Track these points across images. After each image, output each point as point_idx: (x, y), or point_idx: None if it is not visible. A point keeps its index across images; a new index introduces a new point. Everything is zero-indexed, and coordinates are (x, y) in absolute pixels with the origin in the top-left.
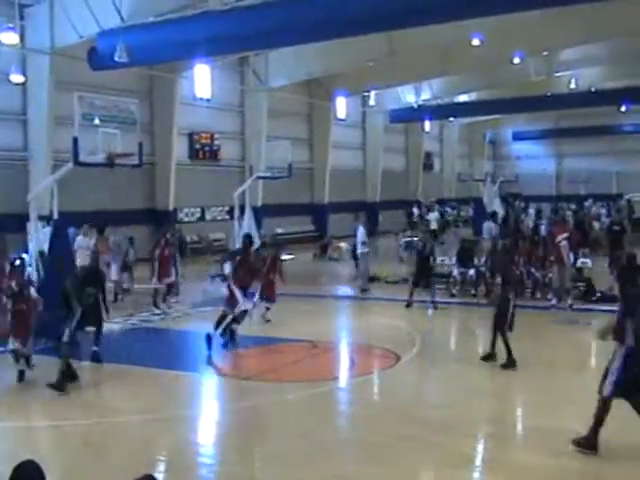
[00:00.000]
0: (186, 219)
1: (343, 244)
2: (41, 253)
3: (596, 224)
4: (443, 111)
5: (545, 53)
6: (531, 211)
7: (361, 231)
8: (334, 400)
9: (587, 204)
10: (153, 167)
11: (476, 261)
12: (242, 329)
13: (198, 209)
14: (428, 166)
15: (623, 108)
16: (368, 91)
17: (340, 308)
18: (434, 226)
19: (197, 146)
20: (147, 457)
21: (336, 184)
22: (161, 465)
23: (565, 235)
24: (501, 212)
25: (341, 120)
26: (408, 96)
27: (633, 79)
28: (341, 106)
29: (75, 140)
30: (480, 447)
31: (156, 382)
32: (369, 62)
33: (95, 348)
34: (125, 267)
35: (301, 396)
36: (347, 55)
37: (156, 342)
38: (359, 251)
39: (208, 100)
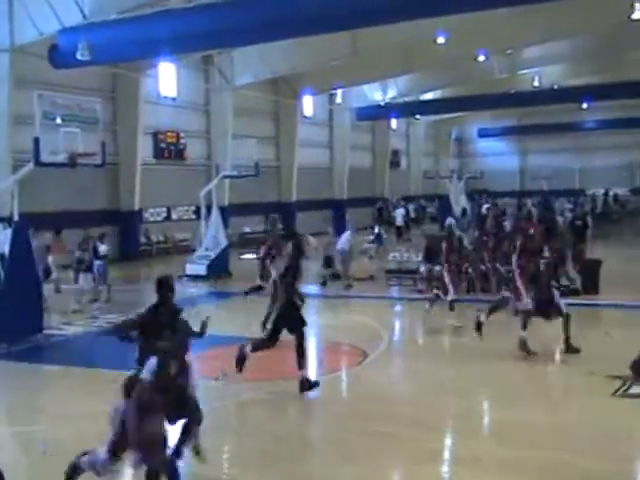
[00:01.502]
0: (152, 219)
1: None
2: (1, 256)
3: (560, 219)
4: (409, 109)
5: (509, 51)
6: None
7: (347, 234)
8: (301, 398)
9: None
10: (117, 167)
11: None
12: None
13: (164, 209)
14: (395, 163)
15: (585, 105)
16: (334, 89)
17: (309, 306)
18: (400, 223)
19: (162, 145)
20: None
21: (303, 182)
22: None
23: (531, 230)
24: (468, 208)
25: (308, 118)
26: (375, 94)
27: (594, 77)
28: (308, 104)
29: (36, 140)
30: (450, 442)
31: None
32: (334, 61)
33: None
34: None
35: (268, 395)
36: (312, 54)
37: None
38: (339, 247)
39: (173, 99)
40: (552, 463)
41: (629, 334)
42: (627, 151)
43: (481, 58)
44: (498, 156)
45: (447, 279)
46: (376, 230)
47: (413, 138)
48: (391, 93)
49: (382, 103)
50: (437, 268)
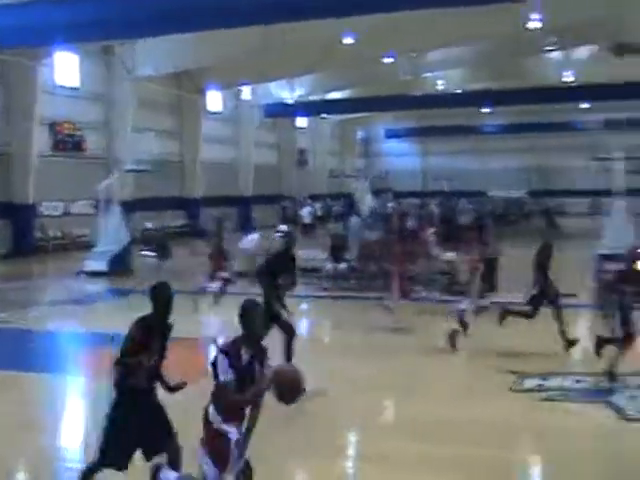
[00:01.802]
0: (47, 213)
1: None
2: None
3: (462, 219)
4: (316, 108)
5: (414, 54)
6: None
7: (254, 236)
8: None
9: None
10: (9, 157)
11: (348, 255)
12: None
13: (61, 203)
14: (301, 162)
15: (485, 110)
16: (241, 85)
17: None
18: (307, 221)
19: (59, 137)
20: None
21: (209, 178)
22: (22, 473)
23: (433, 230)
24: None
25: (214, 113)
26: (282, 92)
27: (494, 82)
28: (214, 99)
29: None
30: (356, 438)
31: (19, 386)
32: (240, 57)
33: None
34: None
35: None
36: (218, 48)
37: (15, 343)
38: (243, 247)
39: (73, 89)
40: (461, 457)
41: (531, 329)
42: (524, 155)
43: (387, 60)
44: (402, 157)
45: (395, 283)
46: (281, 228)
47: (320, 137)
48: (299, 91)
49: (289, 101)
50: (342, 266)
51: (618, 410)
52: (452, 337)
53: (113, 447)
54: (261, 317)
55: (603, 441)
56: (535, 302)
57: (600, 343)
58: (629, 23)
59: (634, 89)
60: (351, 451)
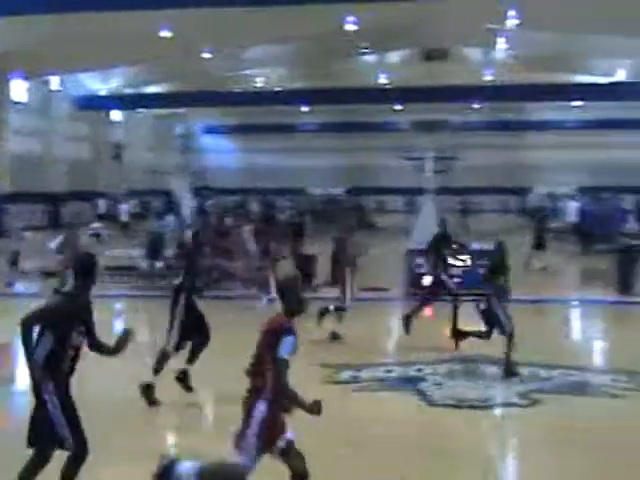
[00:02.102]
0: None
1: None
2: None
3: (281, 217)
4: (132, 101)
5: (234, 50)
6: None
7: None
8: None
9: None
10: None
11: (166, 253)
12: None
13: None
14: (117, 157)
15: (304, 108)
16: (48, 75)
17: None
18: (124, 218)
19: None
20: None
21: (16, 173)
22: None
23: (250, 227)
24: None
25: (20, 104)
26: (95, 83)
27: (313, 81)
28: (20, 89)
29: None
30: (171, 438)
31: None
32: (45, 44)
33: None
34: None
35: None
36: (20, 34)
37: None
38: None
39: None
40: None
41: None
42: (343, 153)
43: (206, 55)
44: (223, 154)
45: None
46: (95, 226)
47: (136, 132)
48: (114, 83)
49: (103, 93)
50: (158, 264)
51: (425, 397)
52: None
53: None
54: (301, 292)
55: (410, 426)
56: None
57: (458, 334)
58: (437, 30)
59: (442, 92)
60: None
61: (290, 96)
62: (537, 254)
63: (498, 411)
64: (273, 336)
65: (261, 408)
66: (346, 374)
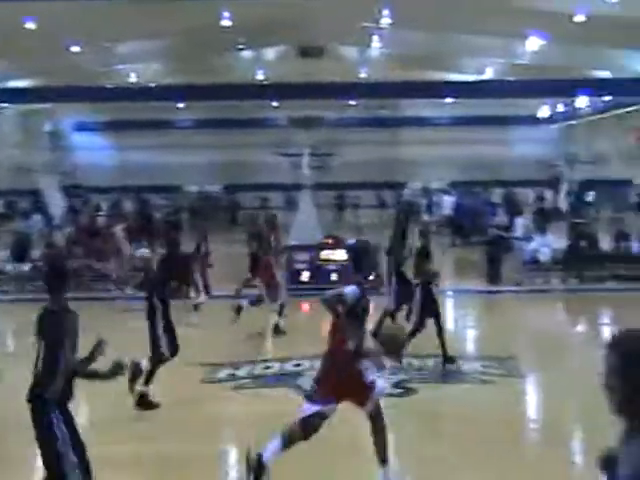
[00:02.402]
0: None
1: None
2: None
3: (157, 215)
4: None
5: (106, 44)
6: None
7: None
8: None
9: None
10: None
11: (32, 254)
12: None
13: None
14: None
15: (180, 104)
16: None
17: None
18: None
19: None
20: None
21: None
22: None
23: (122, 226)
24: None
25: None
26: None
27: (189, 77)
28: None
29: None
30: None
31: None
32: None
33: None
34: None
35: None
36: None
37: None
38: None
39: None
40: (140, 453)
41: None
42: (220, 150)
43: (75, 49)
44: (95, 151)
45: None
46: None
47: (1, 128)
48: None
49: None
50: (24, 267)
51: (303, 392)
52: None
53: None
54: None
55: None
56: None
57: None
58: (313, 28)
59: (318, 89)
60: None
61: (165, 92)
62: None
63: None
64: None
65: None
66: (224, 372)
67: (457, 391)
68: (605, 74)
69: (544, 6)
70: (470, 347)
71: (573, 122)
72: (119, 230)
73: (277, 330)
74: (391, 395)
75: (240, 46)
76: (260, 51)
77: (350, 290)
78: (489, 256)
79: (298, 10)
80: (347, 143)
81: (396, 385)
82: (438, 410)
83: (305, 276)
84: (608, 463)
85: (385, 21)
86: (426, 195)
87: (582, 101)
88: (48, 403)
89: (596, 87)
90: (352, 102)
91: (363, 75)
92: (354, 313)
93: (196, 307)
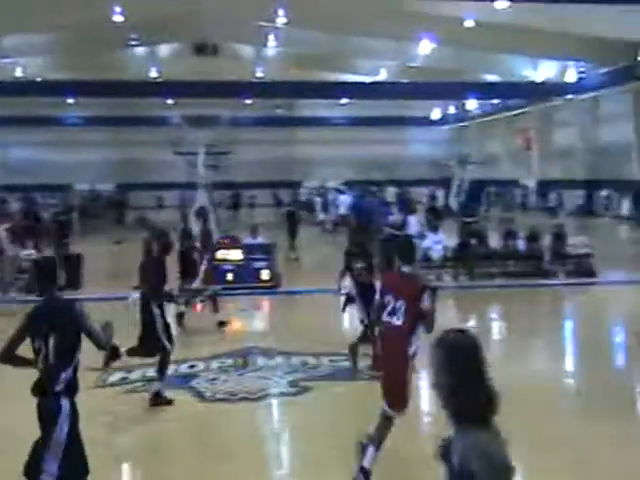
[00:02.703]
0: None
1: None
2: None
3: (45, 214)
4: None
5: None
6: None
7: None
8: None
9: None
10: None
11: None
12: None
13: None
14: None
15: (71, 100)
16: None
17: None
18: None
19: None
20: None
21: None
22: None
23: (6, 226)
24: None
25: None
26: None
27: (81, 72)
28: None
29: None
30: None
31: None
32: None
33: None
34: None
35: None
36: None
37: None
38: None
39: None
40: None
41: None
42: (113, 148)
43: None
44: None
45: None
46: None
47: None
48: None
49: None
50: None
51: (198, 393)
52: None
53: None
54: None
55: (185, 424)
56: None
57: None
58: (207, 25)
59: (214, 88)
60: None
61: (53, 87)
62: (291, 244)
63: (270, 402)
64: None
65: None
66: (116, 376)
67: (350, 389)
68: (494, 78)
69: (435, 11)
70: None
71: (464, 124)
72: (2, 230)
73: (222, 324)
74: (285, 394)
75: (133, 42)
76: (154, 48)
77: None
78: (382, 255)
79: (192, 7)
80: (243, 142)
81: (292, 384)
82: (330, 409)
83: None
84: (444, 453)
85: (281, 20)
86: (322, 194)
87: (472, 104)
88: (60, 396)
89: (485, 90)
90: (248, 101)
91: (259, 74)
92: None
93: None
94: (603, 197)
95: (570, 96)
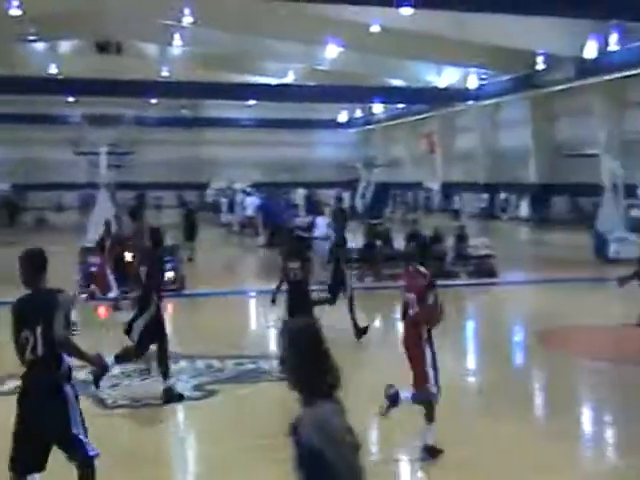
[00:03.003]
0: None
1: None
2: None
3: None
4: None
5: None
6: None
7: None
8: None
9: None
10: None
11: None
12: None
13: None
14: None
15: None
16: None
17: None
18: None
19: None
20: None
21: None
22: None
23: None
24: None
25: None
26: None
27: None
28: None
29: None
30: None
31: None
32: None
33: None
34: None
35: None
36: None
37: None
38: None
39: None
40: None
41: None
42: (9, 146)
43: None
44: None
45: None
46: None
47: None
48: None
49: None
50: None
51: (99, 400)
52: None
53: None
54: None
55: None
56: None
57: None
58: (110, 23)
59: (117, 86)
60: None
61: None
62: (188, 245)
63: (174, 406)
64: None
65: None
66: (11, 384)
67: (256, 390)
68: (399, 83)
69: (341, 15)
70: (269, 347)
71: (371, 127)
72: None
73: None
74: (190, 398)
75: (31, 37)
76: (54, 44)
77: None
78: None
79: (94, 3)
80: (148, 142)
81: (197, 388)
82: (235, 411)
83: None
84: (293, 430)
85: (187, 20)
86: (228, 196)
87: (378, 107)
88: (62, 383)
89: (390, 95)
90: (153, 100)
91: (164, 74)
92: None
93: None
94: (502, 200)
95: (472, 102)
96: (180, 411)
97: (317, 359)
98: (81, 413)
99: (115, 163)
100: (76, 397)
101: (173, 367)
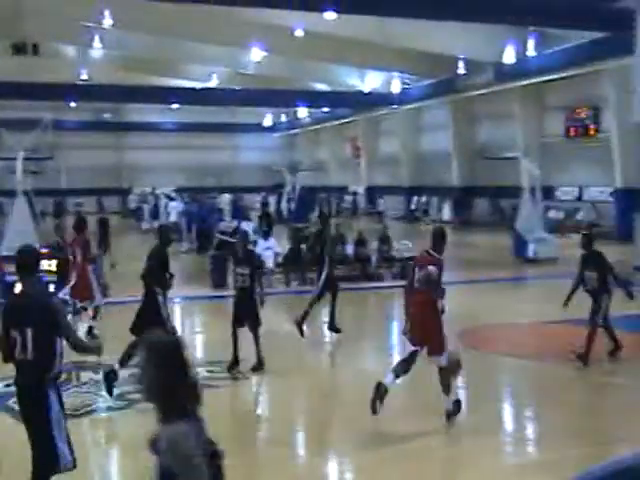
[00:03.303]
0: None
1: None
2: None
3: None
4: None
5: None
6: None
7: None
8: None
9: None
10: None
11: None
12: None
13: None
14: None
15: None
16: None
17: None
18: None
19: None
20: None
21: None
22: None
23: None
24: None
25: None
26: None
27: None
28: None
29: None
30: None
31: None
32: None
33: None
34: None
35: None
36: None
37: None
38: None
39: None
40: None
41: None
42: None
43: None
44: None
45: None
46: None
47: None
48: None
49: None
50: None
51: (16, 413)
52: None
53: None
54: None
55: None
56: None
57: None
58: (27, 24)
59: (35, 89)
60: None
61: None
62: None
63: (95, 417)
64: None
65: None
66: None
67: None
68: (323, 87)
69: (264, 19)
70: (198, 352)
71: (295, 131)
72: None
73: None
74: (112, 408)
75: None
76: None
77: None
78: (215, 261)
79: (10, 3)
80: (68, 147)
81: (119, 398)
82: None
83: (19, 288)
84: (154, 447)
85: (107, 22)
86: (152, 201)
87: (303, 112)
88: (47, 385)
89: (314, 99)
90: (72, 104)
91: (84, 76)
92: None
93: None
94: (423, 203)
95: (395, 106)
96: (101, 422)
97: (172, 377)
98: (65, 419)
99: (33, 169)
100: (61, 402)
101: (95, 376)
